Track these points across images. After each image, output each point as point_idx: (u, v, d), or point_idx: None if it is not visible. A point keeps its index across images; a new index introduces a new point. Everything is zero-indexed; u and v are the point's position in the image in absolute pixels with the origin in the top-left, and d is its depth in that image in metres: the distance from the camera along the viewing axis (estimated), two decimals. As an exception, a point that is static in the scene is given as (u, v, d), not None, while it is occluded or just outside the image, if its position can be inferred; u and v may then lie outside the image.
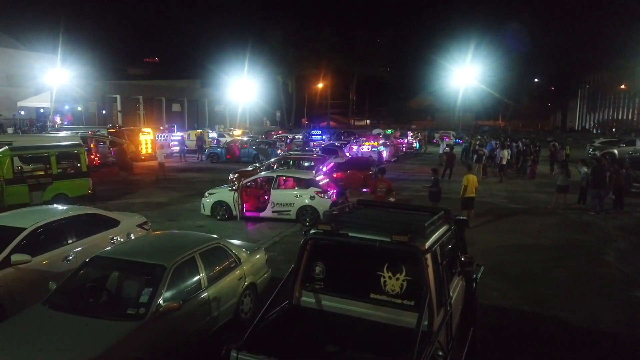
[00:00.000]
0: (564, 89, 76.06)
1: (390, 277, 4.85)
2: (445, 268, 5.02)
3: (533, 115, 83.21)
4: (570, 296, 8.67)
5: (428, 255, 4.58)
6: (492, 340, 6.72)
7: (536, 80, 73.28)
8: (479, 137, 40.74)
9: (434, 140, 48.02)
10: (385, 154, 30.29)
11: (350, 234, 4.90)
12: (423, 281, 4.49)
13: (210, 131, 40.23)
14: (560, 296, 8.66)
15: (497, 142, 30.00)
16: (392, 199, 11.35)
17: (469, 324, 5.90)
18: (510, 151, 26.06)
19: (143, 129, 31.78)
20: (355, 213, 5.86)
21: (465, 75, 58.20)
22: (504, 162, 23.90)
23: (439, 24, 74.71)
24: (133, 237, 8.54)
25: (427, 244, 4.68)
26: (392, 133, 47.24)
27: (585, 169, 16.59)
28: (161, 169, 23.16)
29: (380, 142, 32.85)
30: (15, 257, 6.69)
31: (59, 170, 14.81)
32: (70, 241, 7.68)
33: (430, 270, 4.55)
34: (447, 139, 40.84)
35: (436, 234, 5.07)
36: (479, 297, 6.50)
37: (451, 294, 5.17)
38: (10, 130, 31.16)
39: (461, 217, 6.26)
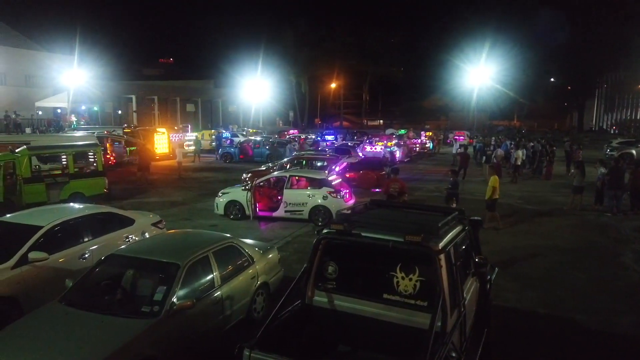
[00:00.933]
0: (581, 89, 74.80)
1: (403, 278, 4.83)
2: (459, 269, 4.98)
3: (549, 115, 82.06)
4: (587, 298, 8.54)
5: (442, 256, 4.55)
6: (506, 343, 6.65)
7: (552, 79, 72.26)
8: (481, 137, 40.43)
9: (448, 141, 47.66)
10: (398, 154, 30.14)
11: (363, 234, 4.89)
12: (436, 282, 4.47)
13: (224, 131, 40.46)
14: (576, 298, 8.52)
15: (512, 143, 29.67)
16: (404, 199, 11.30)
17: (483, 325, 5.85)
18: (525, 151, 25.77)
19: (158, 129, 32.11)
20: (368, 213, 5.84)
21: (480, 74, 57.55)
22: (519, 163, 23.63)
23: (453, 23, 73.92)
24: (148, 236, 8.62)
25: (441, 245, 4.65)
26: (405, 133, 47.00)
27: (603, 170, 16.33)
28: (179, 167, 23.47)
29: (394, 142, 32.70)
30: (32, 255, 6.80)
31: (75, 170, 15.04)
32: (86, 239, 7.79)
33: (443, 270, 4.53)
34: (461, 139, 40.49)
35: (450, 234, 5.03)
36: (494, 299, 6.44)
37: (465, 295, 5.13)
38: (28, 130, 31.70)
39: (475, 218, 6.20)
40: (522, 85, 63.32)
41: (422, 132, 46.88)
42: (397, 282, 4.84)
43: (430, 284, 4.61)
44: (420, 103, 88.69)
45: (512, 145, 27.60)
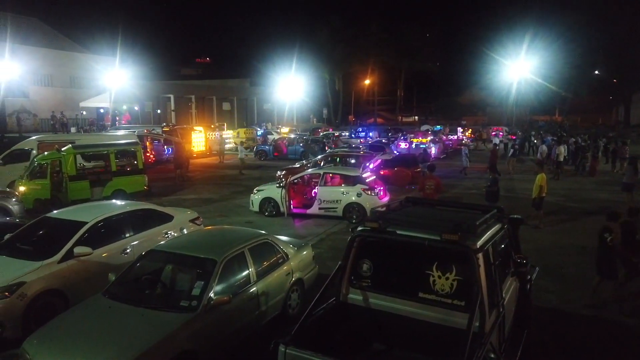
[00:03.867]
0: (627, 81, 71.33)
1: (439, 277, 4.75)
2: (497, 268, 4.86)
3: (593, 109, 78.62)
4: (637, 301, 8.15)
5: (480, 255, 4.45)
6: (547, 345, 6.44)
7: (597, 72, 69.20)
8: (521, 132, 39.14)
9: (492, 135, 46.53)
10: (433, 150, 29.68)
11: (398, 232, 4.84)
12: (474, 281, 4.37)
13: (258, 129, 40.95)
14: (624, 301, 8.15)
15: (554, 138, 28.69)
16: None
17: (523, 326, 5.70)
18: (567, 147, 24.85)
19: (195, 128, 32.82)
20: (403, 210, 5.77)
21: (520, 67, 55.72)
22: (561, 159, 22.80)
23: (491, 15, 72.00)
24: (186, 232, 8.82)
25: (479, 243, 4.55)
26: (441, 129, 46.22)
27: None
28: (242, 164, 24.15)
29: (429, 138, 32.22)
30: (78, 250, 7.09)
31: (117, 168, 15.54)
32: (127, 235, 8.05)
33: (482, 270, 4.43)
34: (500, 135, 39.45)
35: (488, 232, 4.92)
36: (534, 299, 6.25)
37: (504, 295, 5.01)
38: (73, 130, 33.05)
39: (515, 216, 6.02)
40: (564, 78, 60.87)
41: (458, 128, 45.96)
42: (434, 281, 4.77)
43: (468, 284, 4.52)
44: (457, 98, 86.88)
45: (553, 141, 26.69)
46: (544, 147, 25.12)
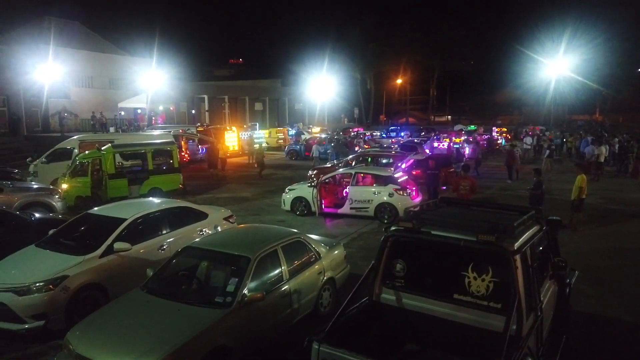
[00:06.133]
0: (675, 78, 67.99)
1: (475, 278, 4.68)
2: (535, 271, 4.75)
3: (636, 108, 75.46)
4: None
5: (517, 257, 4.36)
6: (586, 351, 6.24)
7: (640, 69, 66.31)
8: (560, 132, 37.82)
9: (522, 137, 45.33)
10: (467, 150, 29.15)
11: (432, 232, 4.79)
12: (511, 284, 4.29)
13: (290, 129, 41.27)
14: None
15: (593, 138, 27.66)
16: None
17: (561, 331, 5.55)
18: (608, 148, 23.92)
19: (228, 127, 33.34)
20: (438, 211, 5.71)
21: (557, 65, 53.95)
22: (601, 160, 21.98)
23: (528, 12, 70.11)
24: (220, 230, 8.97)
25: (517, 245, 4.45)
26: (475, 129, 45.30)
27: None
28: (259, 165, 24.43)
29: (463, 138, 31.66)
30: (117, 245, 7.33)
31: (154, 166, 15.96)
32: (164, 232, 8.26)
33: (519, 272, 4.34)
34: (530, 135, 38.18)
35: (526, 234, 4.81)
36: (573, 304, 6.07)
37: (542, 299, 4.89)
38: (112, 129, 34.16)
39: (554, 218, 5.85)
40: (605, 76, 58.51)
41: (493, 128, 44.92)
42: (469, 282, 4.70)
43: (505, 286, 4.43)
44: (491, 97, 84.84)
45: (593, 141, 25.72)
46: (591, 148, 23.95)
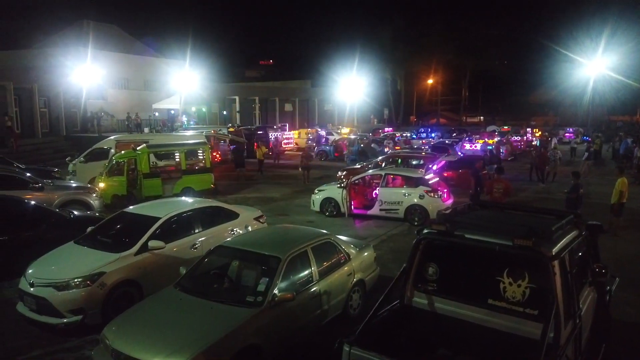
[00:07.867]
0: None
1: (510, 283, 4.56)
2: (574, 277, 4.60)
3: (680, 108, 72.13)
4: None
5: (555, 262, 4.23)
6: (628, 362, 6.00)
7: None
8: (599, 133, 36.48)
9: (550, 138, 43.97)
10: (501, 152, 28.49)
11: (466, 236, 4.70)
12: (549, 290, 4.16)
13: (319, 129, 41.35)
14: None
15: (633, 140, 26.61)
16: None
17: (601, 340, 5.35)
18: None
19: (259, 128, 33.68)
20: (471, 214, 5.60)
21: (596, 65, 52.05)
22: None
23: (564, 9, 67.89)
24: (250, 229, 9.06)
25: (555, 250, 4.32)
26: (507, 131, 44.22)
27: None
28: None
29: (496, 139, 31.00)
30: (152, 243, 7.50)
31: (187, 166, 16.26)
32: (197, 231, 8.40)
33: (557, 278, 4.20)
34: (570, 136, 37.10)
35: (565, 239, 4.66)
36: (613, 312, 5.84)
37: (581, 306, 4.72)
38: (146, 130, 35.03)
39: (594, 222, 5.65)
40: (647, 75, 56.14)
41: (528, 129, 43.75)
42: (504, 287, 4.59)
43: (542, 292, 4.31)
44: (525, 98, 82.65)
45: (633, 144, 24.75)
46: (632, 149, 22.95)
